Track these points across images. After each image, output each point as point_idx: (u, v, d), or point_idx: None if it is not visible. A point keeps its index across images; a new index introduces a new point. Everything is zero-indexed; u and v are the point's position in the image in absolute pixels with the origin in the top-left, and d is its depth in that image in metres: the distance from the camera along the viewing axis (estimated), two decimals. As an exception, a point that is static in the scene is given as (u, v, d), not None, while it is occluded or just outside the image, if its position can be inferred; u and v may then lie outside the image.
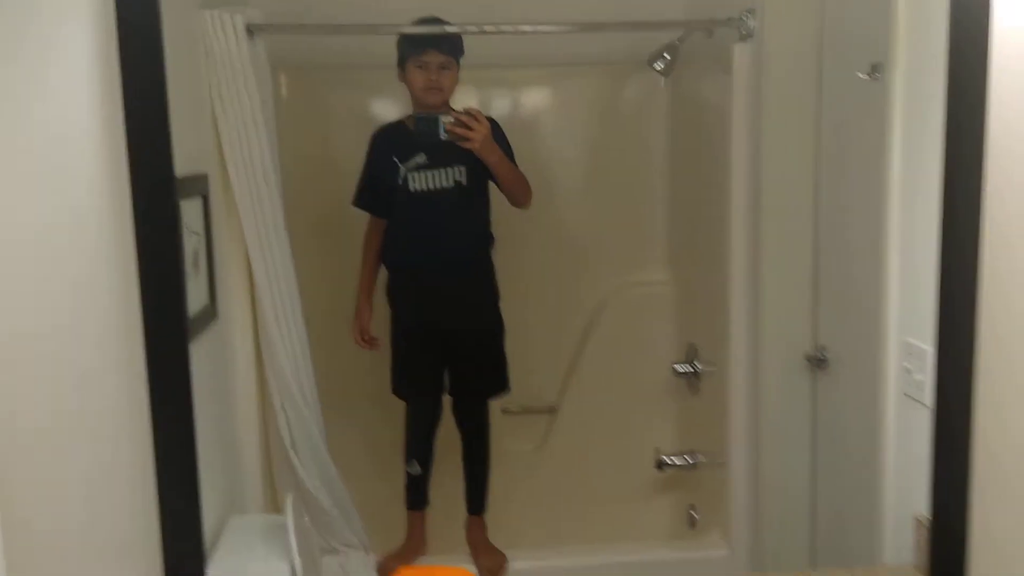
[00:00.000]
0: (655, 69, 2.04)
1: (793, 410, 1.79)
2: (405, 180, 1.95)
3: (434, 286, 2.00)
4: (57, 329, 0.90)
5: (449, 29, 1.83)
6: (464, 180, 1.95)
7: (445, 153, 1.91)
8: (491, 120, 1.89)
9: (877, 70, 1.41)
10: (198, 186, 1.50)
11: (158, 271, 1.08)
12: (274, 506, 1.82)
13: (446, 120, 1.80)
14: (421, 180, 1.95)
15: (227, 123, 1.60)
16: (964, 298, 1.17)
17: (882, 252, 1.39)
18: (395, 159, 1.95)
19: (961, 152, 1.16)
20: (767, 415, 1.83)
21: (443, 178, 1.95)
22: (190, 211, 1.44)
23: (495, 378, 2.10)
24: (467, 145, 1.82)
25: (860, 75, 1.46)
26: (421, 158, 1.94)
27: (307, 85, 2.20)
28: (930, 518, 1.23)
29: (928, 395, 1.27)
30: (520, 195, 1.99)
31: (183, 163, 1.30)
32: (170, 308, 1.11)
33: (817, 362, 1.74)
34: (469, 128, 1.81)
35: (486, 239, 2.04)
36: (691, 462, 2.13)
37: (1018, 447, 1.26)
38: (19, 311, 0.81)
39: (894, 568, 1.38)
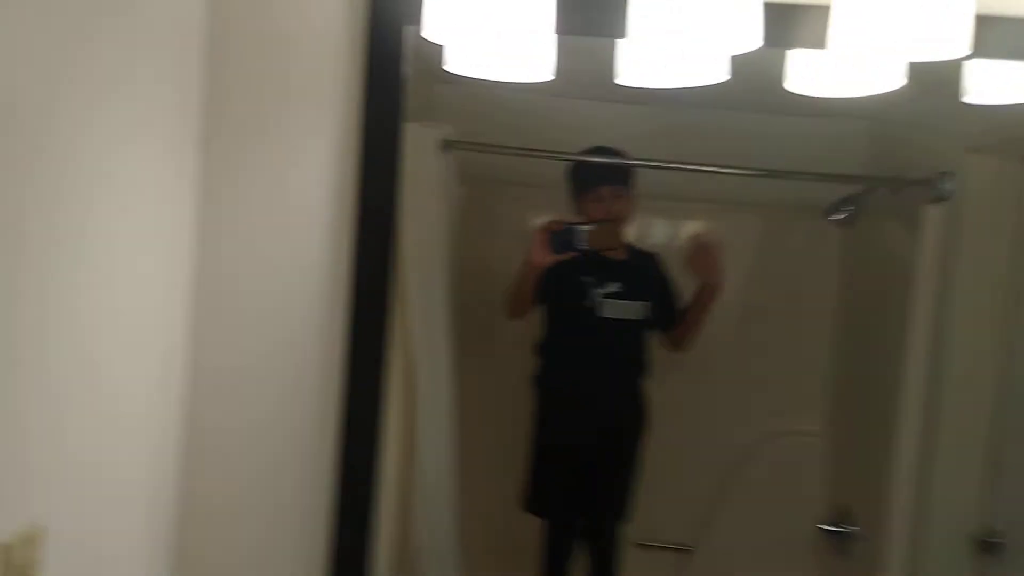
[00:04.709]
0: (831, 220, 2.00)
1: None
2: (595, 305, 1.95)
3: (590, 410, 2.00)
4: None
5: (636, 162, 1.86)
6: (650, 314, 1.96)
7: (640, 285, 1.94)
8: (654, 255, 1.89)
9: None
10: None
11: (366, 361, 1.40)
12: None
13: (587, 229, 1.81)
14: (614, 308, 1.96)
15: (413, 232, 1.65)
16: None
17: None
18: (584, 280, 1.96)
19: None
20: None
21: (635, 310, 1.96)
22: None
23: (623, 503, 2.08)
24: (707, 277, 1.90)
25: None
26: (617, 286, 1.96)
27: (483, 196, 2.26)
28: None
29: None
30: (691, 337, 1.99)
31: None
32: (371, 397, 1.42)
33: (987, 547, 1.62)
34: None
35: (646, 369, 2.04)
36: (833, 630, 2.01)
37: None
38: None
39: None
